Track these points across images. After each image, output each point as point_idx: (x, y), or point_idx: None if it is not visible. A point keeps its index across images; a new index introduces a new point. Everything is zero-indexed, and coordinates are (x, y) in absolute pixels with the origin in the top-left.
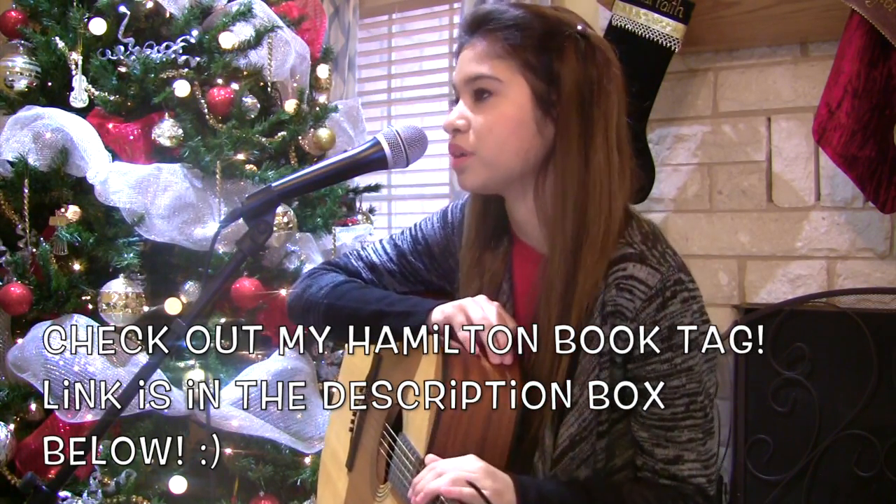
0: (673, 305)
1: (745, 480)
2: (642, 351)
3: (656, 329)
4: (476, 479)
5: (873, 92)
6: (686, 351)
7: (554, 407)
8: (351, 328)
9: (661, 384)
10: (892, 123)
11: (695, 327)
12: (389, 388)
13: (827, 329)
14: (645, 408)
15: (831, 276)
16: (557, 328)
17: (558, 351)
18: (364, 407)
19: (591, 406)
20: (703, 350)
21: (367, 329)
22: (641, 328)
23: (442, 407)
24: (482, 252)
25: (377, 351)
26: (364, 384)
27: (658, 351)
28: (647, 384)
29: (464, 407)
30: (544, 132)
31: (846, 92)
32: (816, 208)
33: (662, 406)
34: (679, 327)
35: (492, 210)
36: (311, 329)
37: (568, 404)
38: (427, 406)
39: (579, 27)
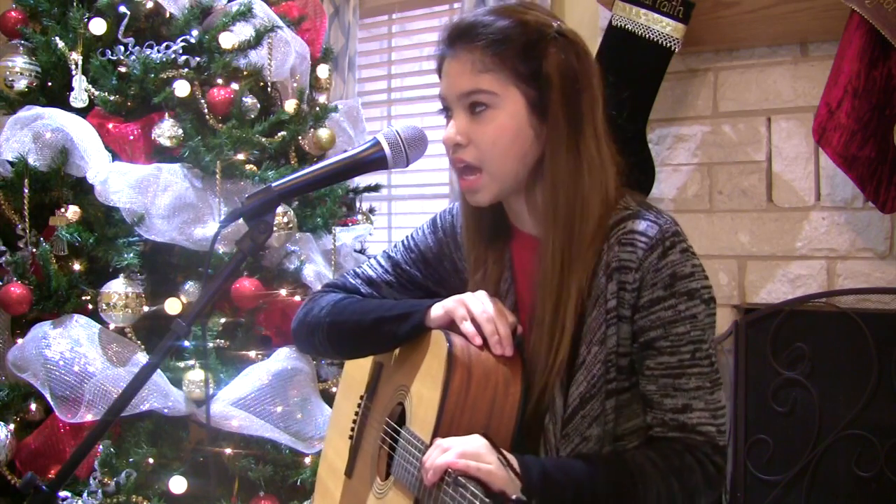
0: (673, 254)
1: (745, 480)
2: (647, 299)
3: (659, 276)
4: (482, 455)
5: (873, 92)
6: (689, 298)
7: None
8: (356, 341)
9: (667, 332)
10: (892, 123)
11: (695, 278)
12: (393, 389)
13: (827, 329)
14: (653, 360)
15: (831, 276)
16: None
17: (561, 315)
18: (365, 413)
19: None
20: (706, 303)
21: (371, 338)
22: (646, 276)
23: (446, 395)
24: (485, 247)
25: (375, 360)
26: (365, 392)
27: (662, 297)
28: (652, 333)
29: (468, 396)
30: (539, 134)
31: (846, 92)
32: (816, 208)
33: (669, 354)
34: (680, 275)
35: (486, 210)
36: (321, 350)
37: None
38: (432, 396)
39: (555, 25)
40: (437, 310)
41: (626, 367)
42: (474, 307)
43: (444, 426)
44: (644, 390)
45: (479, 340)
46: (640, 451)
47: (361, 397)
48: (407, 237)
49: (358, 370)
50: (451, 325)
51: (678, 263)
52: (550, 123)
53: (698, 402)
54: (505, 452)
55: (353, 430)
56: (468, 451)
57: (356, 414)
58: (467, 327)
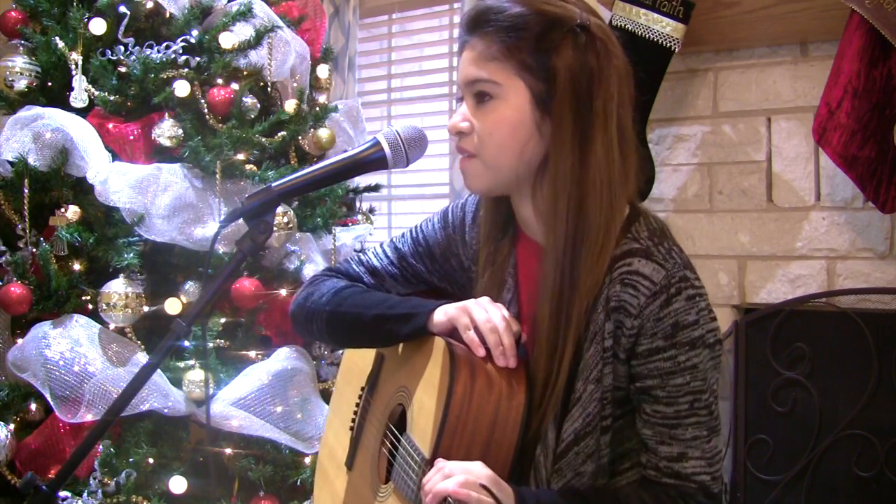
0: (677, 302)
1: (745, 480)
2: (646, 348)
3: (660, 326)
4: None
5: (873, 92)
6: (690, 349)
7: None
8: (354, 334)
9: (664, 382)
10: (892, 123)
11: (699, 325)
12: (394, 388)
13: (827, 329)
14: (649, 406)
15: (831, 276)
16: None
17: (560, 347)
18: (366, 406)
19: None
20: (709, 348)
21: (370, 334)
22: (645, 325)
23: (448, 409)
24: (496, 245)
25: (379, 351)
26: (366, 384)
27: (661, 348)
28: (649, 381)
29: (469, 410)
30: (544, 132)
31: (846, 92)
32: (816, 208)
33: (665, 405)
34: (683, 325)
35: (503, 206)
36: (318, 336)
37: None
38: (433, 408)
39: (579, 19)
40: (440, 315)
41: (622, 398)
42: (478, 316)
43: (446, 439)
44: (640, 432)
45: (482, 352)
46: (635, 492)
47: (363, 389)
48: (415, 228)
49: (359, 357)
50: (453, 332)
51: (682, 312)
52: (555, 122)
53: (694, 451)
54: (504, 485)
55: (353, 420)
56: (470, 480)
57: (357, 405)
58: (470, 336)
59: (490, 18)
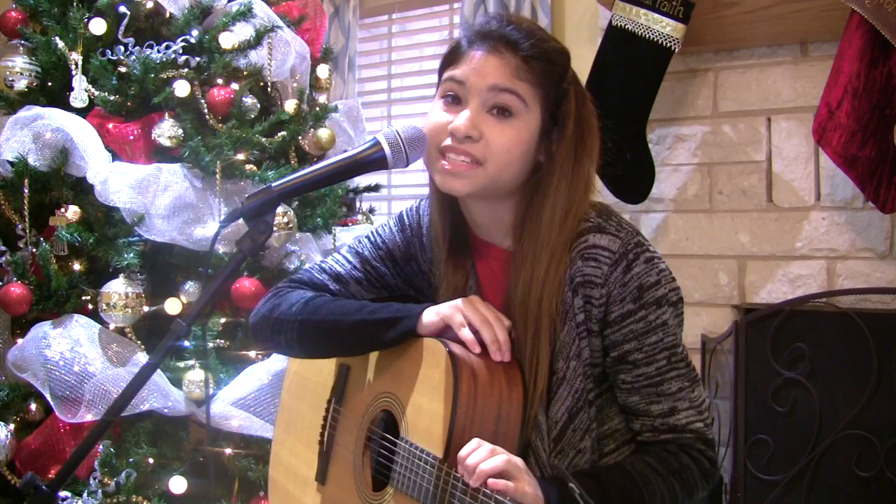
0: (637, 266)
1: (745, 480)
2: (618, 314)
3: (627, 290)
4: (523, 472)
5: (873, 92)
6: (657, 307)
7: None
8: (331, 343)
9: (641, 343)
10: (892, 123)
11: (661, 285)
12: (372, 395)
13: (827, 329)
14: (629, 374)
15: (831, 276)
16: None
17: (537, 340)
18: (335, 417)
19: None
20: (673, 306)
21: (350, 341)
22: (612, 292)
23: (456, 408)
24: (454, 253)
25: (339, 362)
26: (331, 396)
27: (632, 311)
28: (626, 346)
29: (475, 406)
30: (535, 158)
31: (846, 92)
32: (816, 208)
33: (646, 365)
34: (647, 286)
35: (451, 211)
36: (285, 348)
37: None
38: (437, 409)
39: (570, 73)
40: (431, 316)
41: (598, 376)
42: (472, 313)
43: (456, 439)
44: (626, 402)
45: (478, 348)
46: (638, 458)
47: (329, 402)
48: (372, 233)
49: (312, 372)
50: (443, 332)
51: (643, 274)
52: (558, 157)
53: (683, 403)
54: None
55: (321, 435)
56: (514, 461)
57: (324, 419)
58: (466, 334)
59: (525, 44)
